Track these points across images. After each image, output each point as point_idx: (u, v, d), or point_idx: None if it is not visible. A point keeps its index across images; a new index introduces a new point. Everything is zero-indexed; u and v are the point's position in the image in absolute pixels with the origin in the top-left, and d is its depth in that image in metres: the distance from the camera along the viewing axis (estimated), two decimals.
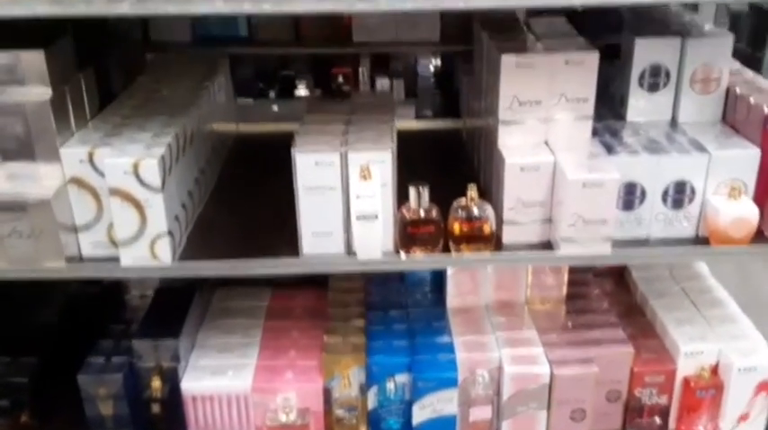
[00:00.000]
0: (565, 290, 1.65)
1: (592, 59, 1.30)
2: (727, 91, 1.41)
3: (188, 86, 1.57)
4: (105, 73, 1.49)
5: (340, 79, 3.29)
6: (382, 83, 3.23)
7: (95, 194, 1.28)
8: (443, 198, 1.29)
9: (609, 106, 1.46)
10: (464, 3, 1.09)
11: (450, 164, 1.65)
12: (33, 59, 1.21)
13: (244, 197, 1.53)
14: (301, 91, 3.32)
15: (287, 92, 3.27)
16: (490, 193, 1.41)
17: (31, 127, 1.24)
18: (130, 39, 1.66)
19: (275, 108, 2.93)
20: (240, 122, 1.88)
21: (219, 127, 1.68)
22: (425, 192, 1.25)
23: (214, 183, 1.60)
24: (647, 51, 1.38)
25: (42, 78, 1.22)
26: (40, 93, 1.23)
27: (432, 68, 2.99)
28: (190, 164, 1.41)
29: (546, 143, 1.34)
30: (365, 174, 1.22)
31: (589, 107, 1.33)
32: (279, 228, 1.35)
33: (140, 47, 1.69)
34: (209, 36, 2.77)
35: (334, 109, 1.46)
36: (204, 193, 1.52)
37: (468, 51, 1.65)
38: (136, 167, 1.20)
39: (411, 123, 1.95)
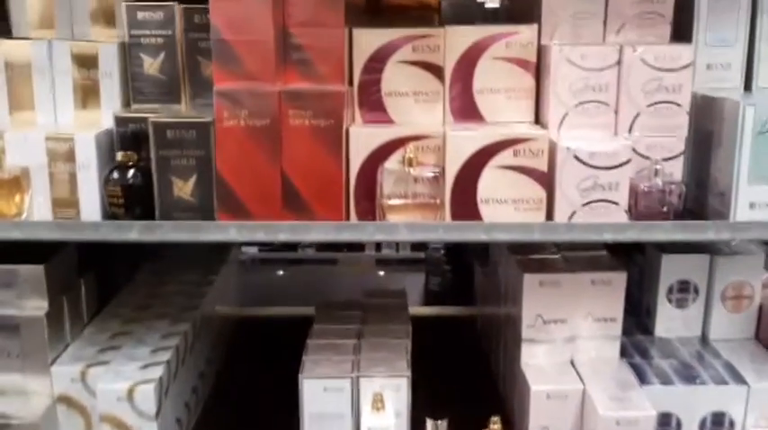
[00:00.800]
0: None
1: (619, 279, 1.24)
2: (760, 307, 1.34)
3: (192, 280, 1.51)
4: (108, 270, 1.44)
5: None
6: None
7: (85, 414, 1.18)
8: (464, 423, 1.18)
9: (635, 316, 1.38)
10: (486, 235, 1.05)
11: (466, 368, 1.53)
12: (32, 273, 1.16)
13: (242, 408, 1.41)
14: None
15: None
16: (512, 413, 1.31)
17: (23, 341, 1.17)
18: None
19: (281, 272, 2.87)
20: (245, 283, 1.83)
21: (222, 310, 1.60)
22: (443, 425, 1.15)
23: (212, 383, 1.49)
24: (674, 267, 1.32)
25: (40, 291, 1.17)
26: (36, 307, 1.17)
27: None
28: (189, 373, 1.32)
29: (572, 363, 1.26)
30: (378, 406, 1.13)
31: (617, 327, 1.26)
32: None
33: None
34: None
35: (345, 315, 1.39)
36: (202, 398, 1.42)
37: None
38: (130, 394, 1.11)
39: (423, 310, 1.87)
